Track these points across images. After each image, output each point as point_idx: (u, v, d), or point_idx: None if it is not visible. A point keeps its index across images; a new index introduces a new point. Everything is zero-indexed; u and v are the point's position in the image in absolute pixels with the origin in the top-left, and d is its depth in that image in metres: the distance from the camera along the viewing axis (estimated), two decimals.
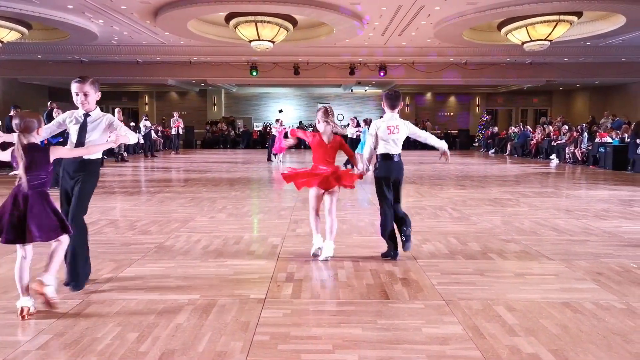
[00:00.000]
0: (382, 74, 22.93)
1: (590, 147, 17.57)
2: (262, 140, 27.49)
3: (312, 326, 3.37)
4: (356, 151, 14.53)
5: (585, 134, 18.17)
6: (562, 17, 14.18)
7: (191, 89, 30.44)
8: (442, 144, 5.24)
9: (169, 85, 27.23)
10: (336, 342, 3.13)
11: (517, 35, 15.42)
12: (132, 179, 11.56)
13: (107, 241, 5.73)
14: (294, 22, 15.49)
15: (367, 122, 15.23)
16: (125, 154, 18.86)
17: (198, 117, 30.57)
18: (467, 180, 12.24)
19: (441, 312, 3.63)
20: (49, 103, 16.16)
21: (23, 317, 3.45)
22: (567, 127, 19.36)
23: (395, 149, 5.04)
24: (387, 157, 5.03)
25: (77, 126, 4.17)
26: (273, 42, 15.91)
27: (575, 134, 18.45)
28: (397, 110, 5.07)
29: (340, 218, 7.24)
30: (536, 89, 28.66)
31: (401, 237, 4.99)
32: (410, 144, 27.01)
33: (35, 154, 3.53)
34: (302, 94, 31.74)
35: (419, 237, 5.96)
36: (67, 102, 28.53)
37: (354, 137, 14.99)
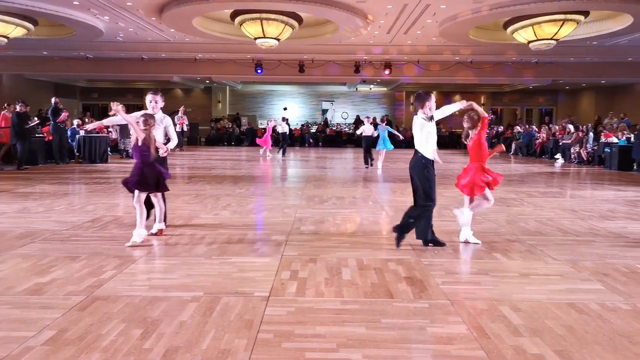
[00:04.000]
0: (387, 72, 22.88)
1: (595, 147, 17.50)
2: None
3: (316, 324, 3.36)
4: (378, 148, 14.71)
5: (591, 134, 18.10)
6: (568, 16, 14.09)
7: (196, 86, 30.46)
8: (459, 104, 5.41)
9: (173, 82, 27.25)
10: (340, 340, 3.12)
11: (523, 34, 15.33)
12: None
13: (111, 237, 5.74)
14: (299, 19, 15.46)
15: (383, 120, 15.45)
16: (130, 150, 18.90)
17: (203, 114, 30.60)
18: None
19: (446, 311, 3.62)
20: (52, 99, 16.22)
21: None
22: (572, 127, 19.27)
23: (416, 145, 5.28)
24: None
25: None
26: (278, 40, 15.90)
27: (580, 133, 18.38)
28: (419, 109, 5.27)
29: (345, 217, 7.24)
30: (542, 88, 28.55)
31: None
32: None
33: None
34: (306, 92, 31.73)
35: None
36: (72, 98, 28.71)
37: (374, 135, 15.10)
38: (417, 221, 5.32)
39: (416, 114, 5.34)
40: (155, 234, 5.81)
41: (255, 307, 3.66)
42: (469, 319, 3.47)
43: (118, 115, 5.52)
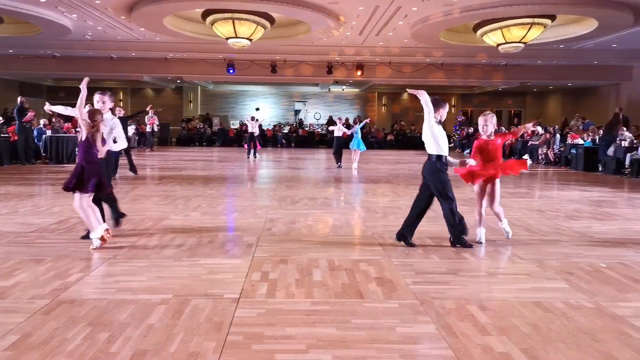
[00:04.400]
0: (359, 73, 23.00)
1: (562, 149, 17.88)
2: (239, 138, 27.36)
3: (287, 326, 3.35)
4: (352, 147, 14.87)
5: (558, 136, 18.48)
6: (536, 20, 14.39)
7: (167, 86, 30.10)
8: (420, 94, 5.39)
9: (144, 82, 26.88)
10: (310, 341, 3.12)
11: (492, 37, 15.60)
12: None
13: (78, 239, 5.63)
14: (271, 20, 15.41)
15: (356, 122, 15.61)
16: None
17: (174, 114, 30.26)
18: None
19: (415, 311, 3.65)
20: (18, 98, 15.84)
21: None
22: (540, 128, 19.65)
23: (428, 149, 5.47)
24: None
25: None
26: (250, 40, 15.82)
27: (548, 135, 18.76)
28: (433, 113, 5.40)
29: (317, 217, 7.25)
30: (510, 90, 29.04)
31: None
32: (387, 145, 27.18)
33: None
34: (279, 92, 31.64)
35: (394, 237, 5.99)
36: (38, 98, 28.06)
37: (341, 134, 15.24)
38: (457, 219, 5.43)
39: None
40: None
41: (225, 309, 3.63)
42: (438, 319, 3.51)
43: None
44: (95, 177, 5.16)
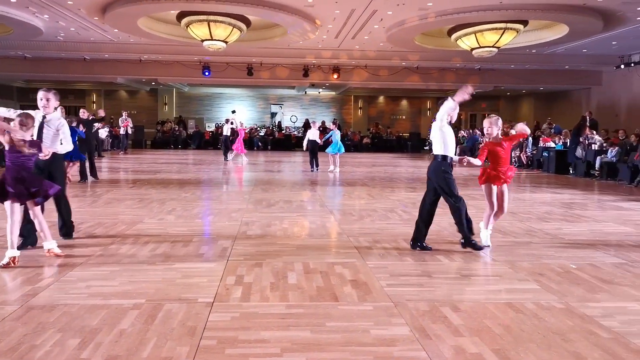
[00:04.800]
0: (335, 76, 23.09)
1: (534, 152, 18.18)
2: (214, 141, 27.20)
3: (261, 329, 3.34)
4: (331, 151, 14.80)
5: (530, 139, 18.79)
6: (509, 25, 14.67)
7: (141, 88, 29.77)
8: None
9: (118, 84, 26.55)
10: (284, 345, 3.11)
11: (466, 41, 15.83)
12: (76, 180, 11.18)
13: None
14: (247, 22, 15.37)
15: (335, 123, 15.61)
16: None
17: (148, 117, 29.94)
18: (418, 182, 12.44)
19: (389, 313, 3.67)
20: None
21: None
22: (514, 132, 19.94)
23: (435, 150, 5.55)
24: None
25: None
26: (226, 42, 15.76)
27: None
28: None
29: (292, 220, 7.24)
30: (485, 94, 29.40)
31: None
32: (364, 148, 27.28)
33: None
34: (255, 95, 31.54)
35: (369, 239, 6.03)
36: (9, 99, 27.39)
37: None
38: (464, 218, 5.47)
39: (434, 120, 5.57)
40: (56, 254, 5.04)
41: (199, 313, 3.61)
42: (412, 321, 3.53)
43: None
44: (32, 182, 4.81)
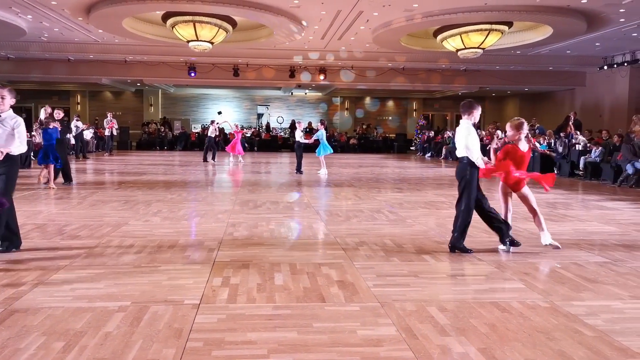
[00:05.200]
0: (321, 77, 23.11)
1: None
2: (200, 143, 27.07)
3: (248, 331, 3.33)
4: (319, 154, 14.61)
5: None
6: (494, 26, 14.77)
7: (127, 89, 29.56)
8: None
9: (103, 85, 26.33)
10: (271, 346, 3.11)
11: (452, 42, 15.91)
12: (61, 182, 11.06)
13: (33, 247, 5.46)
14: (233, 23, 15.32)
15: (323, 123, 15.49)
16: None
17: (134, 118, 29.74)
18: (404, 183, 12.49)
19: (376, 314, 3.68)
20: None
21: None
22: (499, 132, 20.09)
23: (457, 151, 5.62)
24: None
25: None
26: (212, 43, 15.69)
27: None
28: (465, 116, 5.66)
29: (279, 221, 7.23)
30: (470, 94, 29.61)
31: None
32: (350, 148, 27.32)
33: None
34: (242, 96, 31.46)
35: (356, 240, 6.04)
36: None
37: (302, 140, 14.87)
38: (463, 222, 5.54)
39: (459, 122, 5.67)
40: None
41: (185, 315, 3.59)
42: (398, 321, 3.54)
43: None
44: None
